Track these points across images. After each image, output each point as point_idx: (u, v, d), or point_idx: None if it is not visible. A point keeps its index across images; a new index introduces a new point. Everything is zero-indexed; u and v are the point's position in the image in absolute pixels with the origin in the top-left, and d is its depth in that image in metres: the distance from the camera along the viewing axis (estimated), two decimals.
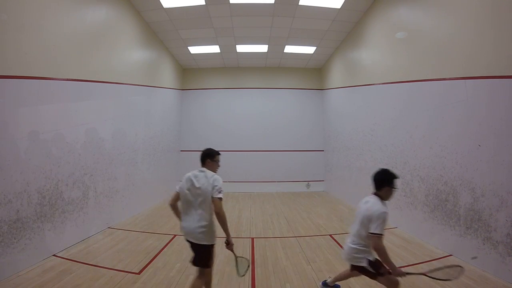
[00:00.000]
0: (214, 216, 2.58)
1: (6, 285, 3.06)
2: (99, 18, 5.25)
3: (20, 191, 3.47)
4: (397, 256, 4.02)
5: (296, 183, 10.60)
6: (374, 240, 2.30)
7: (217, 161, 2.83)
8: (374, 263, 2.43)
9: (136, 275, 3.43)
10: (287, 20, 7.24)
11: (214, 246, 2.65)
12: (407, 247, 4.39)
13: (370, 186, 7.26)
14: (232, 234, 5.29)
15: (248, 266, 2.85)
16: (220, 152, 2.88)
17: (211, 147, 2.87)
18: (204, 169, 2.72)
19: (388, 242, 4.65)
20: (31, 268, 3.50)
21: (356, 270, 2.58)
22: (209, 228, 2.58)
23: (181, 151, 10.71)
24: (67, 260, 3.79)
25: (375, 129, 6.52)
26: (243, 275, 2.81)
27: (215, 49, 9.24)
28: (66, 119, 4.36)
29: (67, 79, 4.37)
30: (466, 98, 3.83)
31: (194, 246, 2.61)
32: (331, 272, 3.55)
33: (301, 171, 10.74)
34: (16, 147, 3.47)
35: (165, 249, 4.38)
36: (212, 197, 2.51)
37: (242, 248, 4.45)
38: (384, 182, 2.47)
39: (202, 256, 2.60)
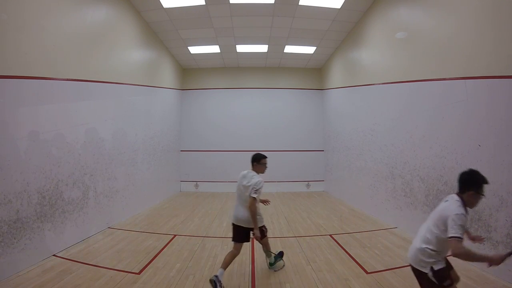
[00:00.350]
0: (258, 206, 3.26)
1: (6, 285, 3.06)
2: (99, 18, 5.26)
3: (20, 191, 3.47)
4: (397, 256, 4.02)
5: (296, 183, 10.60)
6: (454, 244, 1.89)
7: (263, 164, 3.48)
8: (438, 273, 2.03)
9: (136, 275, 3.43)
10: (287, 20, 7.24)
11: (264, 225, 3.46)
12: (407, 247, 4.31)
13: (369, 186, 7.24)
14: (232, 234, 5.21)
15: (283, 266, 3.53)
16: (266, 155, 3.54)
17: (259, 152, 3.56)
18: (251, 170, 3.43)
19: (388, 242, 4.66)
20: (31, 268, 3.50)
21: (415, 274, 2.17)
22: (258, 213, 3.28)
23: (181, 151, 10.71)
24: (67, 260, 3.79)
25: (375, 129, 6.52)
26: (276, 271, 3.50)
27: (215, 49, 9.23)
28: (66, 119, 4.36)
29: (67, 79, 4.37)
30: (466, 98, 3.83)
31: (245, 230, 3.34)
32: (331, 272, 3.55)
33: (301, 171, 10.74)
34: (16, 147, 3.47)
35: (165, 249, 4.38)
36: (250, 195, 3.20)
37: (242, 248, 4.44)
38: (469, 184, 2.06)
39: (244, 235, 3.35)
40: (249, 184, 3.23)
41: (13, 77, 3.41)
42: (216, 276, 2.99)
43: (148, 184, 7.52)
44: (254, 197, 3.16)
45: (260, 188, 3.21)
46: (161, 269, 3.62)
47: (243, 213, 3.27)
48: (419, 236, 2.23)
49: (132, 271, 3.52)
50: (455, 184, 3.97)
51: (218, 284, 2.93)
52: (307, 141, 10.95)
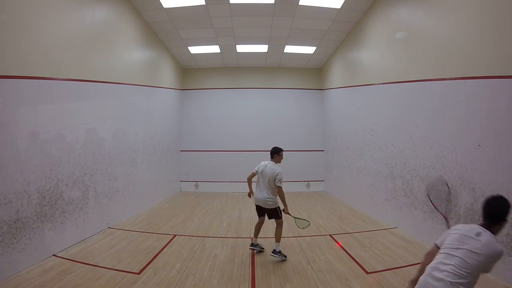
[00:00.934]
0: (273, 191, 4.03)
1: (6, 285, 3.06)
2: (99, 18, 5.25)
3: (20, 191, 3.47)
4: (397, 256, 4.02)
5: (296, 183, 10.59)
6: None
7: (281, 155, 4.22)
8: None
9: (136, 275, 3.43)
10: (287, 20, 7.24)
11: (278, 206, 4.06)
12: (407, 247, 4.39)
13: (369, 186, 7.22)
14: (232, 234, 5.34)
15: (308, 224, 4.14)
16: (282, 149, 4.26)
17: (278, 146, 4.28)
18: (272, 162, 4.14)
19: (388, 242, 4.66)
20: (31, 268, 3.50)
21: None
22: (272, 198, 4.01)
23: (181, 151, 10.71)
24: (67, 260, 3.80)
25: (375, 129, 6.52)
26: (303, 228, 4.14)
27: (215, 49, 9.23)
28: (66, 119, 4.36)
29: (67, 79, 4.37)
30: (466, 98, 3.83)
31: (263, 209, 4.11)
32: (331, 272, 3.55)
33: (301, 171, 10.73)
34: (16, 147, 3.47)
35: (165, 249, 4.38)
36: (276, 185, 3.95)
37: (242, 248, 4.45)
38: (503, 216, 1.86)
39: (273, 213, 4.08)
40: (273, 173, 3.95)
41: (13, 77, 3.41)
42: (252, 243, 4.21)
43: (148, 184, 7.52)
44: (280, 186, 3.95)
45: (282, 177, 3.97)
46: (161, 269, 3.62)
47: (260, 195, 4.04)
48: (444, 270, 1.81)
49: (132, 271, 3.52)
50: (455, 184, 3.99)
51: (257, 247, 4.19)
52: (307, 141, 10.94)
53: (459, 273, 1.76)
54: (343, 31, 7.85)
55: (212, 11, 6.83)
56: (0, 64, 3.24)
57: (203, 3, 6.43)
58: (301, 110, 11.05)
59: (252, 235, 4.33)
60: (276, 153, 4.19)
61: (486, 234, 1.83)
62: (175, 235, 5.07)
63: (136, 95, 6.86)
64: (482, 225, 1.89)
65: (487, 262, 1.78)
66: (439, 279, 1.75)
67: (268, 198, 4.00)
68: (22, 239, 3.48)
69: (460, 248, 1.82)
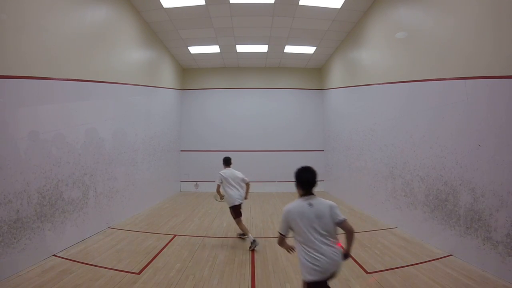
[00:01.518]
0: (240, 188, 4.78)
1: (6, 285, 3.06)
2: (99, 18, 5.25)
3: (20, 191, 3.47)
4: (397, 256, 4.02)
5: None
6: None
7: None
8: None
9: (136, 275, 3.43)
10: (287, 20, 7.24)
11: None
12: (407, 247, 4.39)
13: (369, 186, 7.23)
14: (232, 234, 5.39)
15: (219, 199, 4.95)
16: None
17: (227, 155, 5.18)
18: (229, 168, 4.98)
19: (388, 242, 4.66)
20: (31, 268, 3.50)
21: None
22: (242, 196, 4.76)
23: (181, 151, 10.71)
24: (67, 260, 3.80)
25: (375, 129, 6.52)
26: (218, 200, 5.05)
27: (215, 49, 9.23)
28: (66, 119, 4.36)
29: (67, 79, 4.37)
30: (466, 98, 3.83)
31: (238, 206, 4.71)
32: None
33: None
34: (16, 147, 3.47)
35: (165, 249, 4.38)
36: (245, 183, 4.80)
37: (242, 248, 4.45)
38: (316, 181, 2.50)
39: (240, 208, 4.76)
40: (241, 176, 4.81)
41: (13, 77, 3.41)
42: (254, 240, 4.38)
43: (148, 184, 7.52)
44: (248, 183, 4.84)
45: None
46: (161, 269, 3.62)
47: (239, 195, 4.71)
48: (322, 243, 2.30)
49: (132, 271, 3.52)
50: (455, 184, 4.00)
51: (255, 243, 4.33)
52: (307, 141, 10.94)
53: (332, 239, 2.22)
54: (343, 31, 7.85)
55: (212, 11, 6.83)
56: (0, 64, 3.24)
57: (203, 3, 6.43)
58: (301, 110, 11.05)
59: (248, 233, 4.55)
60: (231, 162, 5.08)
61: (314, 199, 2.48)
62: (175, 235, 5.07)
63: (136, 95, 6.87)
64: (305, 195, 2.48)
65: (332, 213, 2.30)
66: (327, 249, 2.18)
67: (242, 196, 4.77)
68: (22, 239, 3.48)
69: (313, 226, 2.27)
